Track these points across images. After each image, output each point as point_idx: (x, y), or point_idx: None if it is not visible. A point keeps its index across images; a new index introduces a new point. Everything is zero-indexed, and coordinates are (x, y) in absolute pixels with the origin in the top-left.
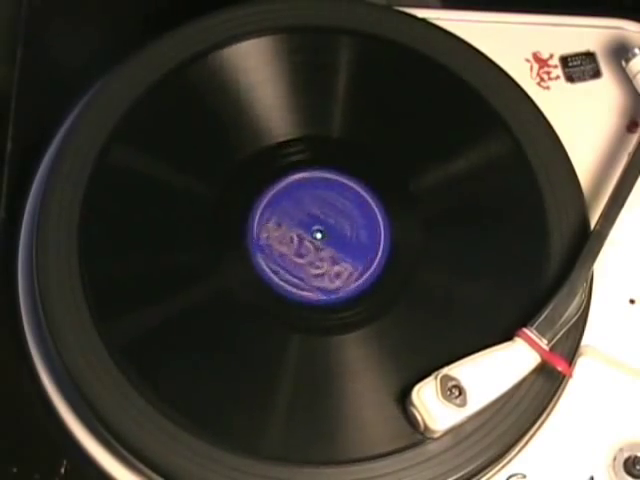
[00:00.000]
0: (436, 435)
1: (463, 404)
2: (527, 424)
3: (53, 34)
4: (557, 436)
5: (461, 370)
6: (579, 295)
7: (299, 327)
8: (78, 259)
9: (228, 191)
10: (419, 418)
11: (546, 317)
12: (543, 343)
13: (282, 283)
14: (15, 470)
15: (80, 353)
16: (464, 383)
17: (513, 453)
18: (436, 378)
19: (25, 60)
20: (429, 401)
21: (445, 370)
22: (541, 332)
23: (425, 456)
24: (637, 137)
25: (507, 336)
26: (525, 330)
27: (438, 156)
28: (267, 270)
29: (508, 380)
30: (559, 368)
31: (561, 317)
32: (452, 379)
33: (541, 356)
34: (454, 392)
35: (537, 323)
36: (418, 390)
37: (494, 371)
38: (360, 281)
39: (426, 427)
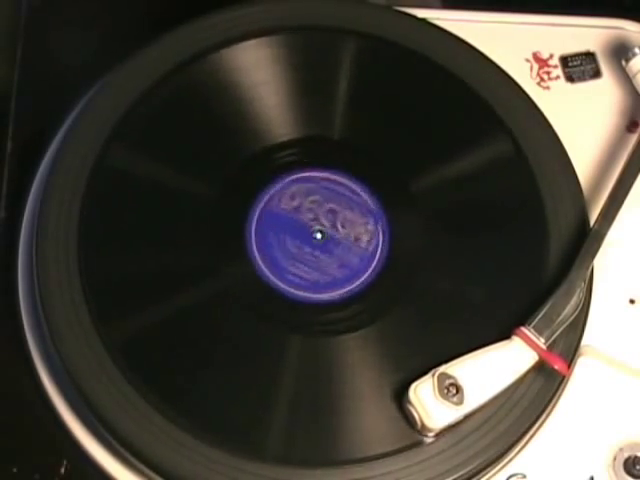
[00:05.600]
0: (433, 433)
1: (460, 402)
2: (527, 424)
3: (53, 34)
4: (557, 436)
5: (458, 368)
6: (577, 294)
7: (299, 327)
8: (78, 259)
9: (228, 191)
10: (416, 416)
11: (544, 316)
12: (540, 342)
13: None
14: (15, 470)
15: (80, 353)
16: (461, 381)
17: (513, 453)
18: (433, 376)
19: (25, 60)
20: (426, 399)
21: (442, 368)
22: (539, 331)
23: (425, 456)
24: (637, 137)
25: (505, 335)
26: (523, 329)
27: (438, 156)
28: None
29: (505, 379)
30: (556, 367)
31: (559, 316)
32: (449, 377)
33: (539, 355)
34: (451, 390)
35: (535, 322)
36: (415, 388)
37: (491, 370)
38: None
39: (423, 425)
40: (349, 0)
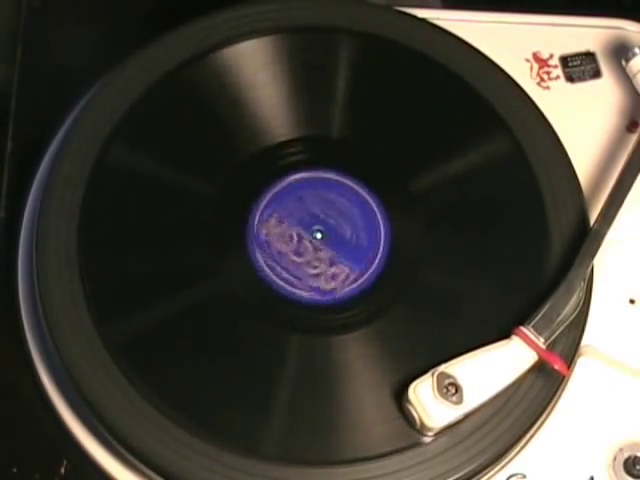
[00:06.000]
0: (432, 433)
1: (459, 402)
2: (527, 424)
3: (53, 34)
4: (557, 436)
5: (458, 368)
6: (577, 294)
7: (299, 327)
8: (78, 259)
9: (228, 191)
10: (415, 415)
11: (543, 316)
12: (540, 342)
13: (282, 283)
14: (15, 470)
15: (80, 353)
16: (460, 381)
17: (513, 453)
18: (432, 375)
19: (25, 60)
20: (425, 398)
21: (442, 367)
22: (538, 330)
23: (425, 456)
24: (637, 137)
25: (505, 334)
26: (522, 328)
27: (438, 156)
28: (267, 269)
29: (505, 378)
30: (556, 366)
31: (558, 316)
32: (448, 377)
33: (538, 355)
34: (450, 390)
35: (534, 321)
36: (414, 387)
37: (491, 369)
38: (360, 281)
39: (422, 424)
40: (349, 0)
